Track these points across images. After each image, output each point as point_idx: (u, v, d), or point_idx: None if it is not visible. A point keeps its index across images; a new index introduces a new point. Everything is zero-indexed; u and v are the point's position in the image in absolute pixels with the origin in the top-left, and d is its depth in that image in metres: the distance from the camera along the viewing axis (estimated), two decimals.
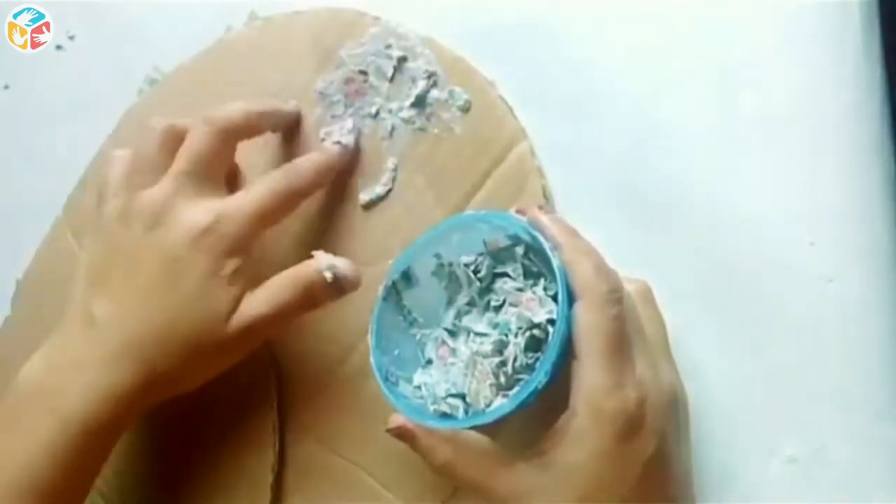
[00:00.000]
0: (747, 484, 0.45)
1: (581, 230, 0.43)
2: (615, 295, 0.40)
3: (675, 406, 0.42)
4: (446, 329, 0.46)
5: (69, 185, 0.58)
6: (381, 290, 0.45)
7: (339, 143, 0.50)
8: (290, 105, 0.52)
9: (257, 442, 0.50)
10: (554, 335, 0.40)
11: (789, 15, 0.47)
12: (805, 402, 0.45)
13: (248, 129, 0.49)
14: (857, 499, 0.44)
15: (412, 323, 0.46)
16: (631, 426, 0.39)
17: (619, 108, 0.49)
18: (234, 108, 0.48)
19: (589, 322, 0.40)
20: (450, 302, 0.46)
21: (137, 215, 0.46)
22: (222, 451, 0.50)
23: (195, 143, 0.47)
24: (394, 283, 0.45)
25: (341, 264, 0.45)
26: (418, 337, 0.46)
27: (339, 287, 0.45)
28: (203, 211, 0.45)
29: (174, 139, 0.48)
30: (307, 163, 0.49)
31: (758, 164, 0.47)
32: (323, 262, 0.45)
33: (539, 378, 0.39)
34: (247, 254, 0.46)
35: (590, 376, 0.39)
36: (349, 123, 0.51)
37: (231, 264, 0.45)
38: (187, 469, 0.50)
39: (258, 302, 0.45)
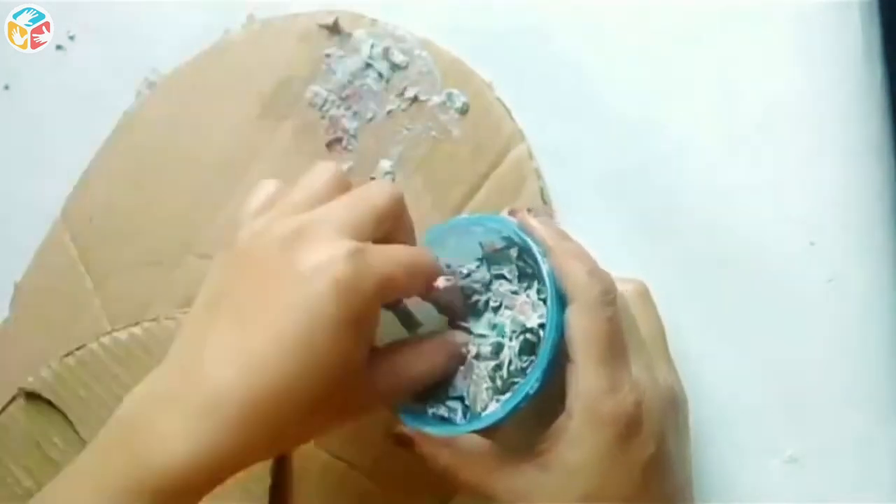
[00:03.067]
0: (747, 484, 0.45)
1: (579, 231, 0.43)
2: (608, 297, 0.40)
3: (673, 407, 0.42)
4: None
5: (68, 186, 0.57)
6: None
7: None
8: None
9: None
10: (544, 342, 0.40)
11: (789, 15, 0.47)
12: (805, 402, 0.45)
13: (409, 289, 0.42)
14: (857, 499, 0.44)
15: (414, 327, 0.45)
16: (628, 428, 0.39)
17: (617, 109, 0.49)
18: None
19: (582, 325, 0.39)
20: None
21: (275, 233, 0.38)
22: None
23: (375, 195, 0.40)
24: None
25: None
26: None
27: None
28: (341, 244, 0.37)
29: (343, 186, 0.41)
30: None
31: (758, 165, 0.47)
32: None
33: (530, 383, 0.39)
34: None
35: (585, 379, 0.39)
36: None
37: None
38: None
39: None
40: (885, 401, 0.44)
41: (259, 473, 0.49)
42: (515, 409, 0.40)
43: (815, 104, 0.46)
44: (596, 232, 0.44)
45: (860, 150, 0.46)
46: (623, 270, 0.43)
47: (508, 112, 0.49)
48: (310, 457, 0.50)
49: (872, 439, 0.44)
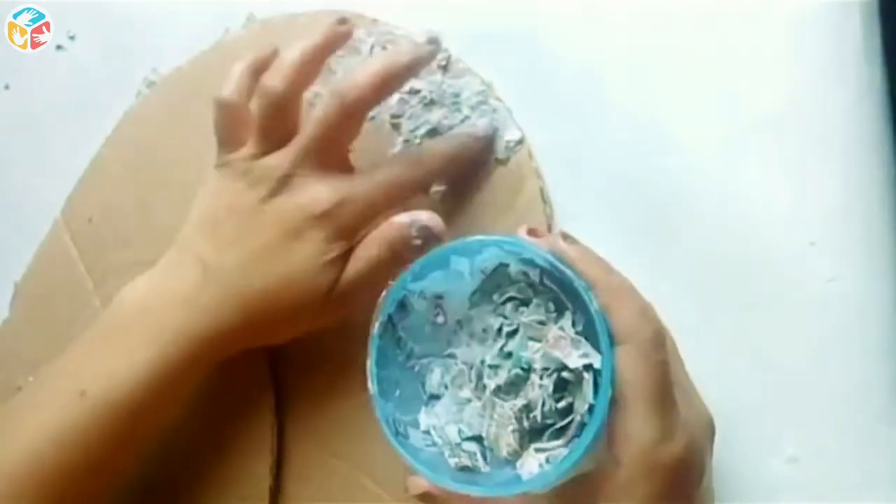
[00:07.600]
0: (747, 484, 0.45)
1: (579, 232, 0.43)
2: (659, 339, 0.37)
3: (711, 435, 0.40)
4: (448, 355, 0.42)
5: (68, 186, 0.58)
6: (375, 328, 0.40)
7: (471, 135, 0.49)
8: (426, 46, 0.48)
9: (256, 445, 0.50)
10: (601, 390, 0.37)
11: (789, 15, 0.47)
12: (805, 402, 0.45)
13: (379, 98, 0.47)
14: (857, 499, 0.44)
15: (409, 355, 0.42)
16: (680, 473, 0.37)
17: (617, 109, 0.49)
18: (366, 82, 0.46)
19: (634, 370, 0.36)
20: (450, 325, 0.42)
21: (261, 178, 0.46)
22: (221, 453, 0.50)
23: (324, 117, 0.46)
24: (389, 317, 0.40)
25: (424, 217, 0.45)
26: (417, 369, 0.42)
27: (424, 240, 0.44)
28: (329, 190, 0.45)
29: (293, 107, 0.48)
30: (434, 153, 0.48)
31: (758, 165, 0.47)
32: (405, 218, 0.45)
33: (589, 438, 0.36)
34: (354, 238, 0.46)
35: (638, 429, 0.36)
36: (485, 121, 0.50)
37: (339, 247, 0.45)
38: (186, 472, 0.50)
39: (351, 270, 0.46)
40: (884, 401, 0.44)
41: (260, 473, 0.49)
42: (571, 468, 0.36)
43: (815, 104, 0.46)
44: (595, 231, 0.44)
45: (860, 150, 0.46)
46: (622, 270, 0.43)
47: (509, 112, 0.49)
48: (310, 457, 0.50)
49: (872, 439, 0.44)
